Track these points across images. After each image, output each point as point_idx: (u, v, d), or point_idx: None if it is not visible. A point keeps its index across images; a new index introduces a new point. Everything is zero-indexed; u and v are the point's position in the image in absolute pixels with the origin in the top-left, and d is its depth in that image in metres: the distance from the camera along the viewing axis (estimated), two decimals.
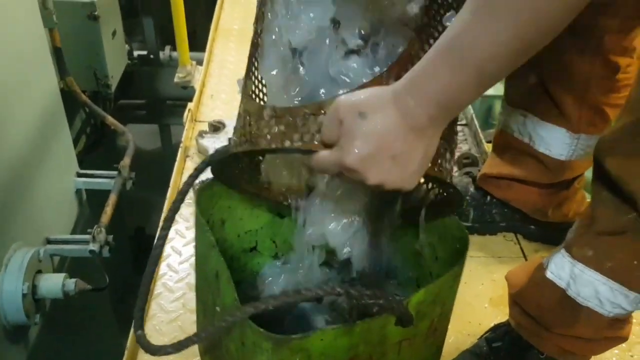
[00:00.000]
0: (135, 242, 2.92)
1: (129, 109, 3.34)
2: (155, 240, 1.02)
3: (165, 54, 3.07)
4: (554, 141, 1.29)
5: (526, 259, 1.47)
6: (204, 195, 1.05)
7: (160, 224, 1.47)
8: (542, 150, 1.31)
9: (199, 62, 2.29)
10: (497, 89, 2.24)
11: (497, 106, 2.16)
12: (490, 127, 2.09)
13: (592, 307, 0.97)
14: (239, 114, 0.91)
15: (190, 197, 1.19)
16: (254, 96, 0.94)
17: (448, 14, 0.83)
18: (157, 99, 3.32)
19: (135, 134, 2.33)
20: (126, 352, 1.18)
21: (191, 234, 1.49)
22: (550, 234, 1.45)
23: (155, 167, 3.11)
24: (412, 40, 0.82)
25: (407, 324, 0.87)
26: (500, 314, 1.33)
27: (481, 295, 1.37)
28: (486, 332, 1.20)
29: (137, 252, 2.85)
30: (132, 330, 1.21)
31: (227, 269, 0.89)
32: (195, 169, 1.02)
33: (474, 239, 1.53)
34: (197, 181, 1.02)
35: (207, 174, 1.03)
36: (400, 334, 0.90)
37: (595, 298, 0.96)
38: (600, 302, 0.96)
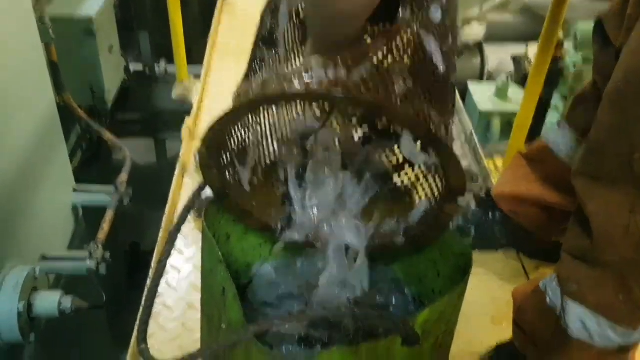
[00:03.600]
0: (130, 257, 2.89)
1: (125, 123, 3.32)
2: (161, 255, 1.00)
3: (160, 67, 3.06)
4: None
5: (528, 276, 1.46)
6: (211, 209, 1.04)
7: (160, 238, 1.46)
8: None
9: (195, 76, 2.28)
10: (495, 104, 2.26)
11: (496, 122, 2.16)
12: (488, 143, 2.09)
13: (582, 339, 0.96)
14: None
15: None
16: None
17: (433, 7, 0.84)
18: (152, 113, 3.31)
19: (130, 148, 2.32)
20: None
21: (190, 251, 1.48)
22: (551, 251, 1.44)
23: (150, 181, 3.08)
24: (402, 20, 0.83)
25: (413, 344, 0.86)
26: (503, 332, 1.31)
27: (483, 313, 1.36)
28: (489, 353, 1.19)
29: (132, 267, 2.82)
30: (132, 343, 1.19)
31: (233, 285, 0.88)
32: (190, 199, 1.01)
33: (474, 256, 1.52)
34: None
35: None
36: (405, 353, 0.89)
37: (584, 331, 0.95)
38: (590, 336, 0.95)
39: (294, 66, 1.02)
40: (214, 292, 0.97)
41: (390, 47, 0.78)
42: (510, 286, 1.43)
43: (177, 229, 0.99)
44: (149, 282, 1.32)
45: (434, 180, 1.02)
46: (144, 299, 1.26)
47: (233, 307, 0.88)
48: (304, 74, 0.76)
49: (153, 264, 1.37)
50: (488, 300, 1.40)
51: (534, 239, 1.44)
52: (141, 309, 1.24)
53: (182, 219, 1.00)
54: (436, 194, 1.03)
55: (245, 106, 0.84)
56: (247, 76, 0.97)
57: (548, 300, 1.01)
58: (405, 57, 0.80)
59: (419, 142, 0.92)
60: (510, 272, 1.47)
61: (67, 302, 1.45)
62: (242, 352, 0.87)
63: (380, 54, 0.77)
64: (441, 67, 0.82)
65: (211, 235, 0.96)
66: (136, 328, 1.20)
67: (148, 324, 0.94)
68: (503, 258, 1.50)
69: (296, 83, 0.76)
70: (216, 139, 0.90)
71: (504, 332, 1.32)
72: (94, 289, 1.70)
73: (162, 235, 1.47)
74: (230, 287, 0.89)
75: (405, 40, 0.80)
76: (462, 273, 0.98)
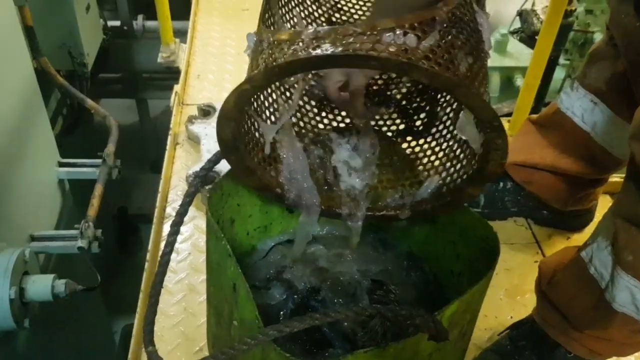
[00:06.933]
0: (117, 222, 2.83)
1: (104, 83, 3.20)
2: (163, 247, 0.94)
3: (138, 24, 2.92)
4: (620, 138, 1.16)
5: (539, 245, 1.42)
6: (214, 196, 0.97)
7: (154, 224, 1.38)
8: (603, 145, 1.21)
9: (178, 34, 2.17)
10: (517, 60, 2.17)
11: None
12: (508, 99, 2.02)
13: (627, 313, 0.92)
14: (259, 47, 0.75)
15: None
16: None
17: None
18: (133, 72, 3.18)
19: (112, 108, 2.21)
20: None
21: (188, 229, 1.41)
22: (563, 219, 1.40)
23: (133, 144, 2.98)
24: None
25: (442, 340, 0.81)
26: (517, 306, 1.28)
27: (496, 286, 1.32)
28: (508, 329, 1.15)
29: (120, 232, 2.76)
30: (132, 342, 1.14)
31: (246, 282, 0.82)
32: (203, 168, 0.95)
33: None
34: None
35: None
36: (432, 347, 0.85)
37: (632, 304, 0.90)
38: (637, 310, 0.90)
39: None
40: (222, 286, 0.91)
41: (452, 18, 0.70)
42: (522, 256, 1.40)
43: (182, 214, 0.92)
44: (145, 277, 1.26)
45: (454, 155, 0.96)
46: (140, 298, 1.21)
47: (246, 305, 0.82)
48: (368, 33, 0.66)
49: (148, 256, 1.31)
50: (500, 272, 1.35)
51: (546, 207, 1.40)
52: (139, 307, 1.19)
53: (188, 202, 0.93)
54: (452, 170, 0.96)
55: (298, 64, 0.69)
56: (267, 20, 0.88)
57: (592, 270, 0.95)
58: (463, 29, 0.72)
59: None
60: (521, 241, 1.42)
61: (61, 286, 1.38)
62: (258, 353, 0.82)
63: (444, 25, 0.69)
64: (487, 43, 0.75)
65: (217, 226, 0.89)
66: (136, 325, 1.15)
67: (154, 324, 0.88)
68: (513, 227, 1.45)
69: (359, 44, 0.66)
70: (248, 93, 0.77)
71: (519, 306, 1.29)
72: (84, 264, 1.63)
73: (156, 221, 1.39)
74: (242, 284, 0.83)
75: (462, 12, 0.72)
76: (486, 257, 0.93)
